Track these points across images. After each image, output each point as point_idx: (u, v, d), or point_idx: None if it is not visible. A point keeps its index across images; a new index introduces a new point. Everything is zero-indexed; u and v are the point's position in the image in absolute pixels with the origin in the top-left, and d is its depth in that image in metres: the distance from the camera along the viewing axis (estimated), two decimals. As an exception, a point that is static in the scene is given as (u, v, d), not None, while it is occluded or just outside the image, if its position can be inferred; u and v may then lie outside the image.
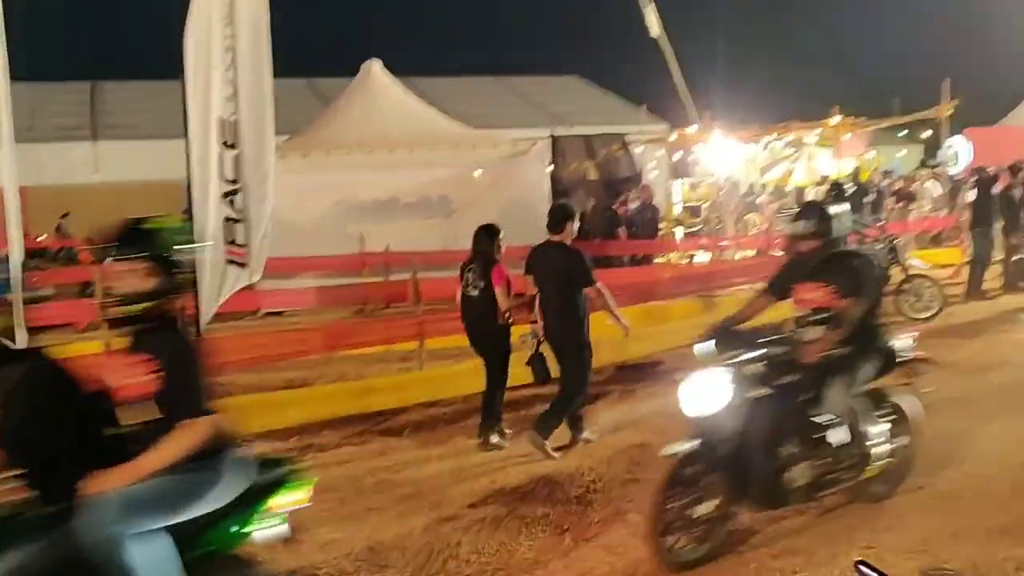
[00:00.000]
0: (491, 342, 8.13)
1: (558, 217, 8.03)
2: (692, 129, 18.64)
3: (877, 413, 6.06)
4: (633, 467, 7.29)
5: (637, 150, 19.71)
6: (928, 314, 12.51)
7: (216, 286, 8.61)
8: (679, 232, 20.89)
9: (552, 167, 18.04)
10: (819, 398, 5.76)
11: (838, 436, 5.75)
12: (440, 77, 36.35)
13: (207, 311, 8.59)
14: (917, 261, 13.17)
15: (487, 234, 8.23)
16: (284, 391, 9.79)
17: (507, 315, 8.00)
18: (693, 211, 23.56)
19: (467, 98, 31.55)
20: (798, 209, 7.13)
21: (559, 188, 17.62)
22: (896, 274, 12.62)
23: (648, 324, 11.42)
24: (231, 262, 8.62)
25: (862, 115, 19.26)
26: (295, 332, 10.22)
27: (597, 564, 5.63)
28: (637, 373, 10.35)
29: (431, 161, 16.81)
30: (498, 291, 7.93)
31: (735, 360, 5.59)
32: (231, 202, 8.52)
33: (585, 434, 8.12)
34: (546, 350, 8.05)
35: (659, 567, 5.35)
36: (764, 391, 5.64)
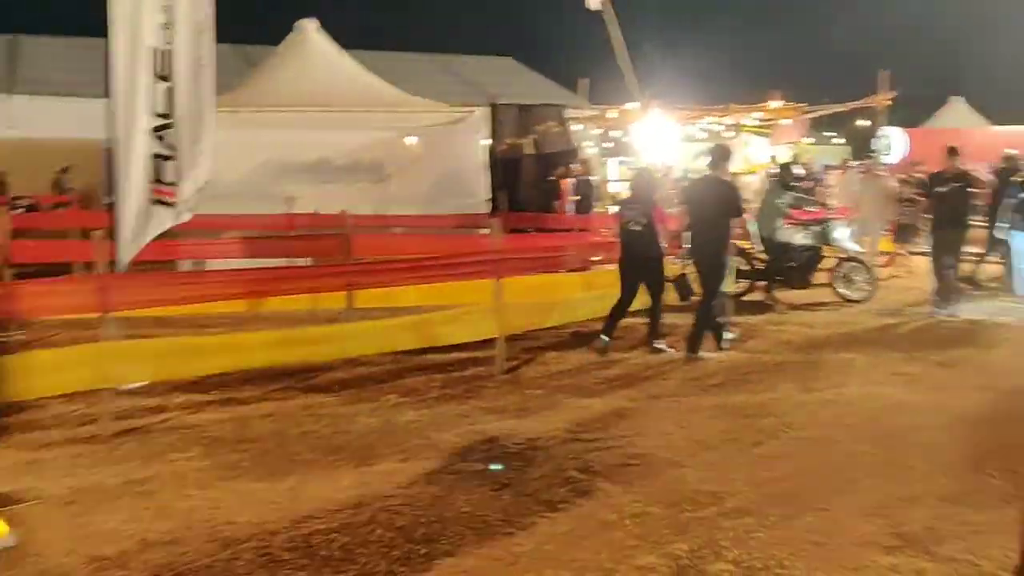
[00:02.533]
0: (650, 267, 9.66)
1: (718, 156, 9.86)
2: (632, 106, 18.40)
3: None
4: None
5: (575, 128, 19.38)
6: (860, 296, 12.53)
7: (140, 226, 8.13)
8: (613, 209, 20.65)
9: (490, 140, 17.67)
10: None
11: None
12: (374, 51, 35.74)
13: (127, 253, 8.11)
14: (853, 244, 13.12)
15: (648, 179, 10.53)
16: (201, 337, 9.17)
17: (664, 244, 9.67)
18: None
19: (401, 73, 30.96)
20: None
21: (495, 159, 17.24)
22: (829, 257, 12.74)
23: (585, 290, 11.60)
24: (157, 202, 8.15)
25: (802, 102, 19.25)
26: (219, 275, 9.47)
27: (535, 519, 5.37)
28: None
29: (366, 124, 16.31)
30: (664, 227, 9.71)
31: None
32: (160, 138, 8.05)
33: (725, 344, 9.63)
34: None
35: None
36: None
